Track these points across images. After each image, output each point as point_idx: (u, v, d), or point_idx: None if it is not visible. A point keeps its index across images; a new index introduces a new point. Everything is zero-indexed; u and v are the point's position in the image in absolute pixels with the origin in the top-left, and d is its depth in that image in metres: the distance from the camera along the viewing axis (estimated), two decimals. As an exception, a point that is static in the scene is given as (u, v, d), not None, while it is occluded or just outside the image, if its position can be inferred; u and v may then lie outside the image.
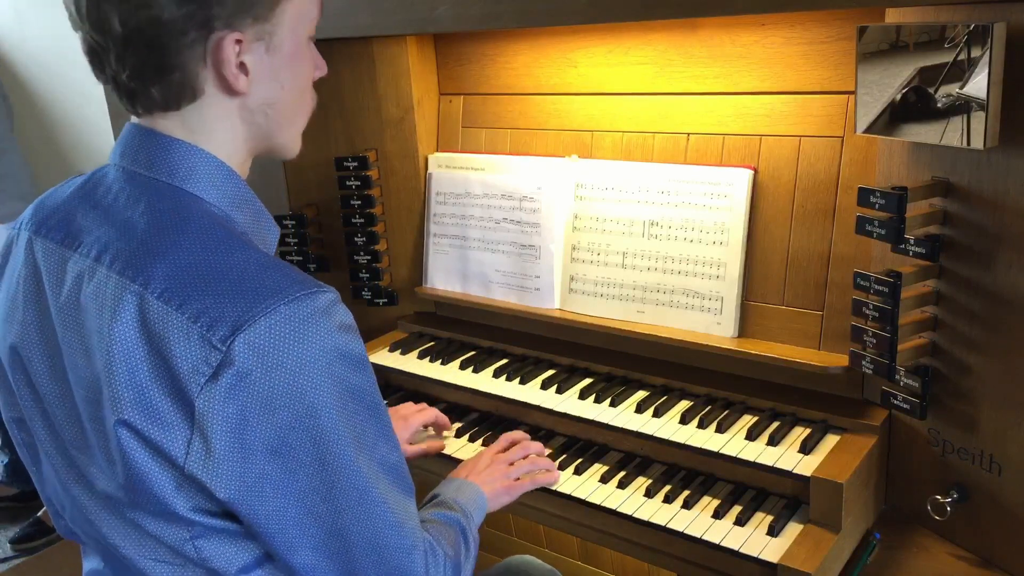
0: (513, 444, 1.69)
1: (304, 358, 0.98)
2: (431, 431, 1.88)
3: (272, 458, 0.98)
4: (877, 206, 1.44)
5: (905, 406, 1.52)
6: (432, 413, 1.84)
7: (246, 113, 1.13)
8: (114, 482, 1.06)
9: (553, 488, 1.67)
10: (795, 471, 1.54)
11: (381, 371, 2.13)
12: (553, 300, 2.04)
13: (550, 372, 1.98)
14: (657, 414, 1.76)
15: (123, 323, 1.00)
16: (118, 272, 1.03)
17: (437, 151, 2.25)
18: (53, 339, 1.10)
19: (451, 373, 2.03)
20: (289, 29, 1.12)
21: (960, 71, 1.33)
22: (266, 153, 1.21)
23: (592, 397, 1.83)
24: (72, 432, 1.11)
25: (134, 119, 1.14)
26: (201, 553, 1.05)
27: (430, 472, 1.83)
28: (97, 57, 1.07)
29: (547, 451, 1.79)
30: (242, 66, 1.08)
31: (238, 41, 1.06)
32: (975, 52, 1.30)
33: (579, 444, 1.82)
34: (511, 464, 1.61)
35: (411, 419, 1.80)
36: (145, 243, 1.04)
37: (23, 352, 1.15)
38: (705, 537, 1.51)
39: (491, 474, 1.56)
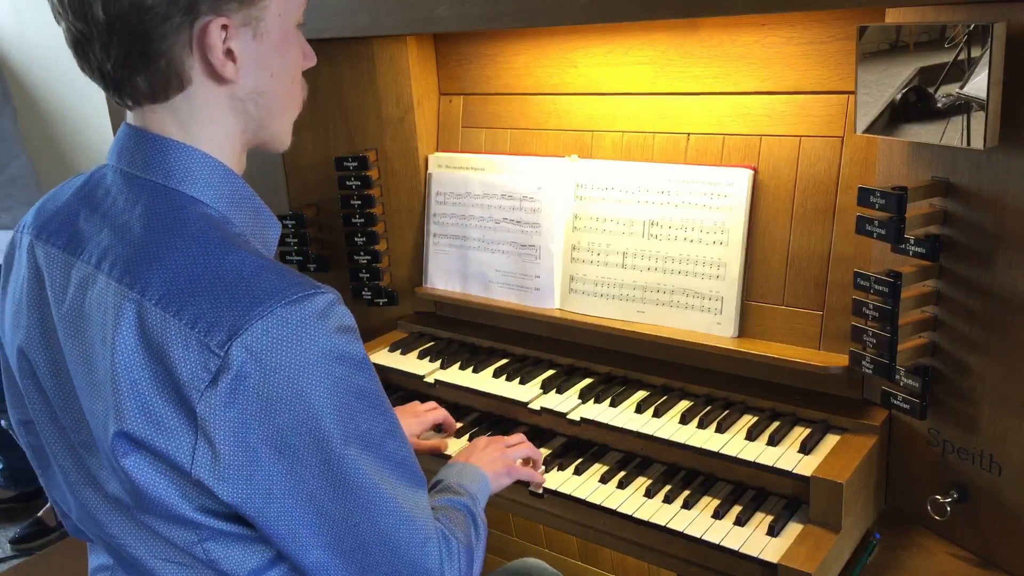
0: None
1: (302, 360, 0.97)
2: (433, 432, 1.89)
3: (277, 459, 0.99)
4: (877, 206, 1.44)
5: (905, 406, 1.52)
6: (442, 413, 1.86)
7: (236, 102, 1.12)
8: (121, 486, 1.06)
9: (554, 488, 1.67)
10: (795, 471, 1.54)
11: (381, 371, 2.13)
12: (553, 300, 2.04)
13: (550, 372, 1.98)
14: (657, 414, 1.76)
15: (124, 332, 0.99)
16: (116, 279, 1.02)
17: (437, 151, 2.25)
18: (56, 344, 1.10)
19: (451, 373, 2.03)
20: (276, 15, 1.11)
21: (960, 71, 1.33)
22: (259, 146, 1.20)
23: (592, 397, 1.83)
24: (81, 435, 1.11)
25: (129, 119, 1.14)
26: (210, 555, 1.05)
27: (429, 472, 1.83)
28: (81, 47, 1.06)
29: (546, 451, 1.80)
30: (229, 53, 1.07)
31: (224, 27, 1.05)
32: (975, 52, 1.30)
33: (579, 444, 1.82)
34: (508, 447, 1.63)
35: (423, 416, 1.83)
36: (141, 248, 1.03)
37: (30, 356, 1.14)
38: (705, 537, 1.51)
39: (490, 455, 1.57)
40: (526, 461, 1.68)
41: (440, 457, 1.82)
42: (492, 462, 1.55)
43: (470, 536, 1.27)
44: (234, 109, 1.13)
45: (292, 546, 1.03)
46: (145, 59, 1.04)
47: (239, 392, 0.96)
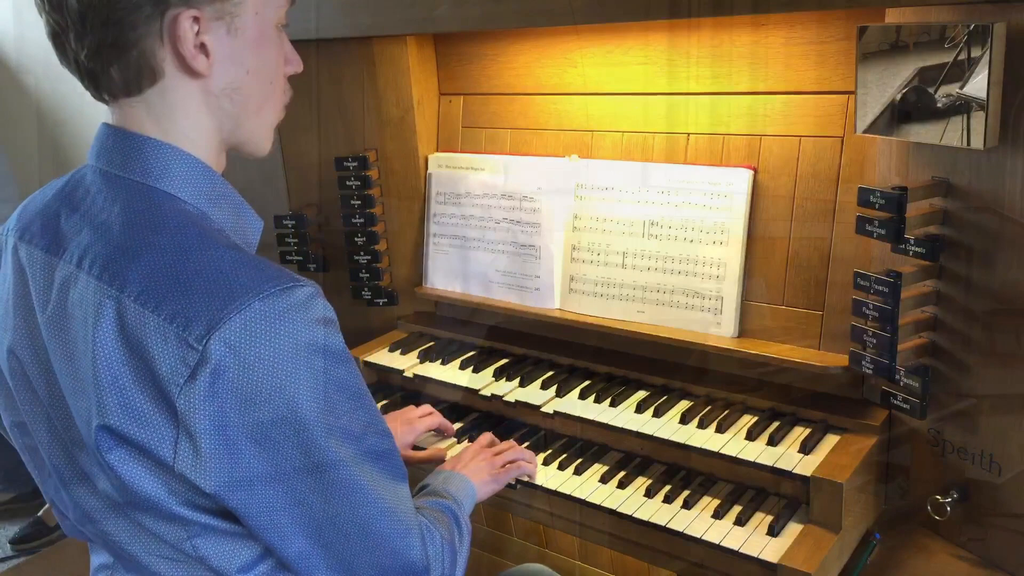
0: (494, 442, 1.71)
1: (280, 353, 0.98)
2: (432, 435, 1.89)
3: (258, 452, 0.99)
4: (877, 206, 1.44)
5: (905, 406, 1.52)
6: (438, 418, 1.85)
7: (210, 98, 1.12)
8: (109, 483, 1.06)
9: (554, 488, 1.67)
10: (795, 471, 1.54)
11: (381, 371, 2.13)
12: (553, 300, 2.04)
13: (550, 372, 1.98)
14: (657, 414, 1.76)
15: (104, 329, 1.00)
16: (96, 277, 1.03)
17: (437, 151, 2.25)
18: (42, 344, 1.11)
19: (451, 373, 2.02)
20: (253, 13, 1.11)
21: (960, 71, 1.33)
22: (236, 147, 1.19)
23: (592, 397, 1.83)
24: (72, 433, 1.12)
25: (107, 118, 1.14)
26: (199, 551, 1.06)
27: (425, 471, 1.83)
28: (58, 39, 1.08)
29: (546, 452, 1.79)
30: (203, 47, 1.08)
31: (196, 19, 1.06)
32: (975, 52, 1.30)
33: (579, 444, 1.82)
34: (496, 454, 1.63)
35: (416, 424, 1.81)
36: (120, 246, 1.04)
37: (20, 357, 1.15)
38: (705, 537, 1.51)
39: (477, 464, 1.58)
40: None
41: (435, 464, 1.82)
42: (478, 471, 1.56)
43: (453, 536, 1.28)
44: (208, 105, 1.13)
45: (274, 537, 1.04)
46: (117, 49, 1.05)
47: (218, 386, 0.96)
